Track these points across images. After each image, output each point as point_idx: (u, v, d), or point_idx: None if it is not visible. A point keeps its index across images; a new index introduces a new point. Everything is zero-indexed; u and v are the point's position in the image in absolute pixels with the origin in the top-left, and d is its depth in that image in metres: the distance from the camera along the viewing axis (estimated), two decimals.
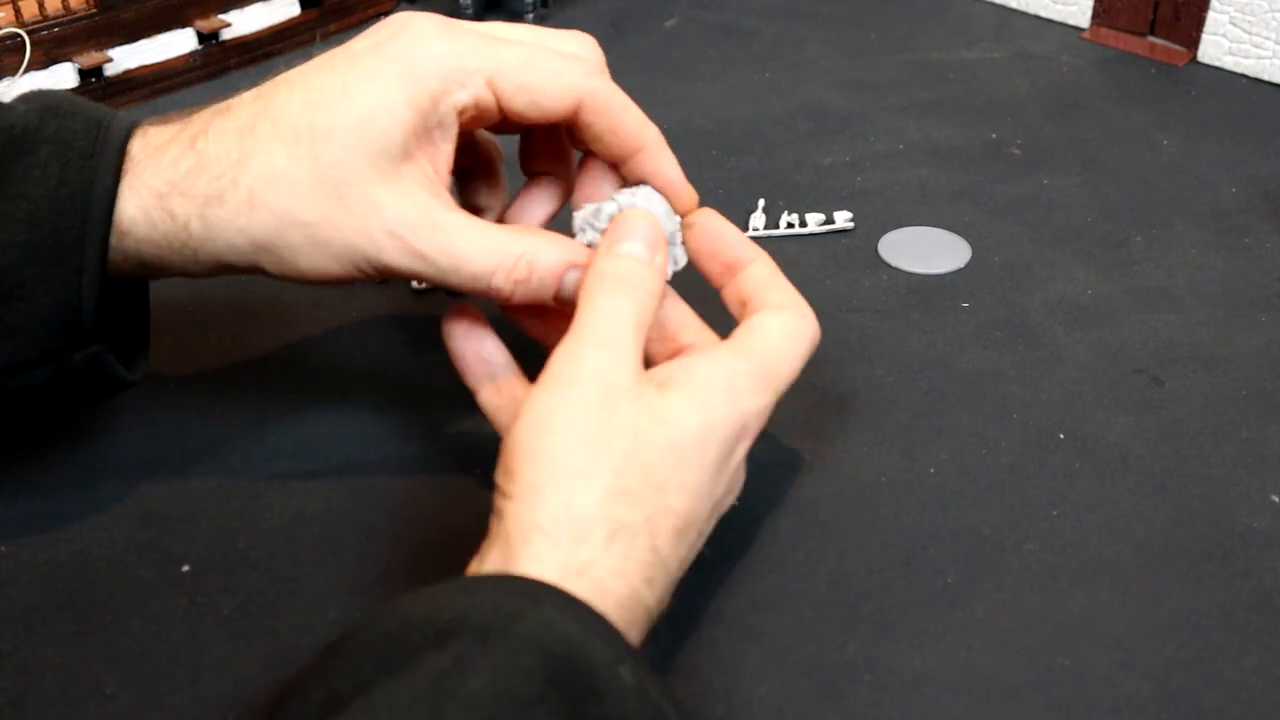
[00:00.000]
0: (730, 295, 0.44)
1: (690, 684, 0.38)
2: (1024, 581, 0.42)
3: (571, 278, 0.41)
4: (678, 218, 0.44)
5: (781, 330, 0.41)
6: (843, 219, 0.61)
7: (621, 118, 0.42)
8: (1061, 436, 0.48)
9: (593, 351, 0.37)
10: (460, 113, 0.41)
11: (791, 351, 0.41)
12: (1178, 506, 0.45)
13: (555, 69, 0.41)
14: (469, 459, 0.47)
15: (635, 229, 0.41)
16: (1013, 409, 0.50)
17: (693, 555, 0.38)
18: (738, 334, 0.41)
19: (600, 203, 0.43)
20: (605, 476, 0.35)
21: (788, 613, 0.41)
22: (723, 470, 0.38)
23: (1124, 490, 0.46)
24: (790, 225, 0.61)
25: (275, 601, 0.42)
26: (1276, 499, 0.45)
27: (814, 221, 0.61)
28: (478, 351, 0.42)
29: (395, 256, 0.40)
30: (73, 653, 0.40)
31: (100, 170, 0.39)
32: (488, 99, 0.41)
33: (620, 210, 0.42)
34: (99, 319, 0.40)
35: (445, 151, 0.41)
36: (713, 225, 0.44)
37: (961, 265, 0.58)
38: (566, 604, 0.32)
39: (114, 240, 0.40)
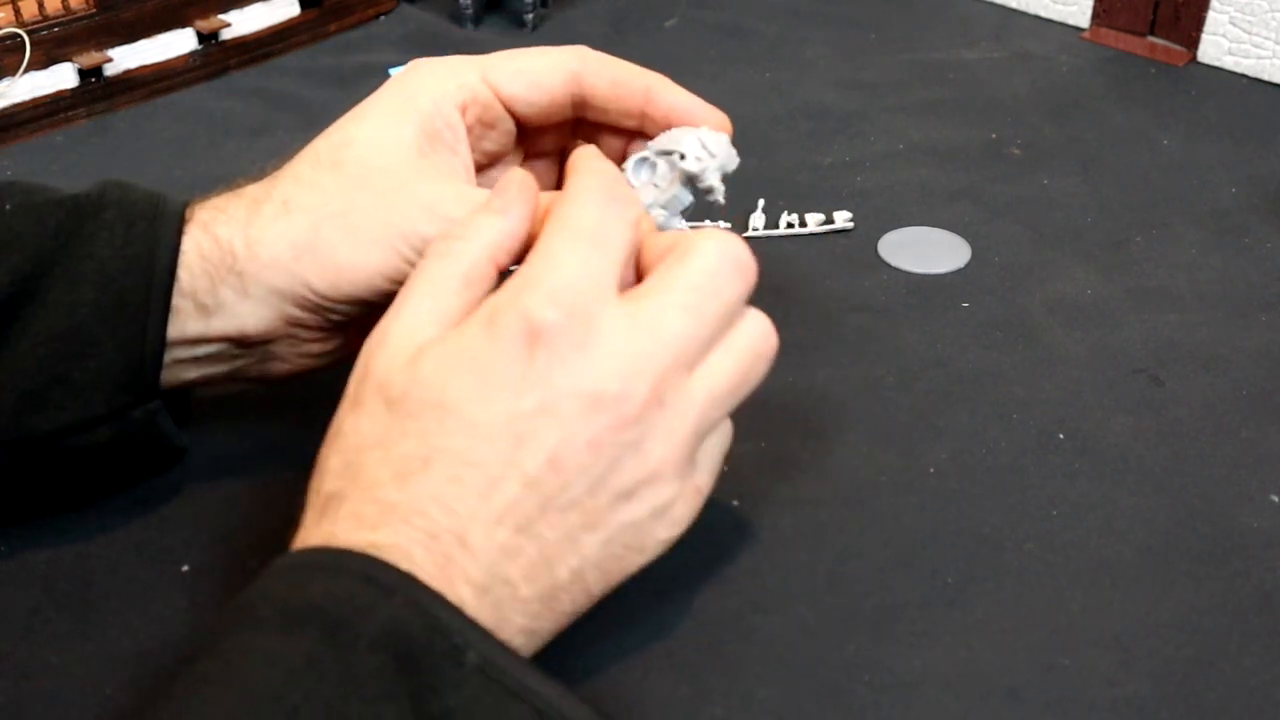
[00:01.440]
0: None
1: (689, 684, 0.38)
2: (1024, 581, 0.42)
3: None
4: (722, 141, 0.44)
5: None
6: (842, 219, 0.61)
7: (619, 67, 0.44)
8: (1061, 436, 0.48)
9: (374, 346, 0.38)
10: (462, 110, 0.43)
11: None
12: (1178, 506, 0.45)
13: (542, 51, 0.45)
14: None
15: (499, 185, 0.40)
16: (1013, 409, 0.50)
17: (486, 488, 0.34)
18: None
19: (638, 156, 0.44)
20: (326, 459, 0.37)
21: (788, 613, 0.41)
22: (508, 388, 0.34)
23: (1124, 490, 0.46)
24: (790, 225, 0.61)
25: None
26: (1276, 499, 0.45)
27: (814, 221, 0.61)
28: None
29: (428, 226, 0.40)
30: (73, 653, 0.40)
31: (163, 229, 0.41)
32: (484, 93, 0.44)
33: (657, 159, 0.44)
34: (159, 378, 0.41)
35: (461, 153, 0.44)
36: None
37: (961, 265, 0.58)
38: (416, 596, 0.32)
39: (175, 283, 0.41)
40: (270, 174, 0.43)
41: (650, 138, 0.45)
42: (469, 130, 0.44)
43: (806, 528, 0.44)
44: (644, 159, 0.44)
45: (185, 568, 0.43)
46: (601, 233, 0.37)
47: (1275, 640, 0.40)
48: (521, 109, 0.45)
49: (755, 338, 0.38)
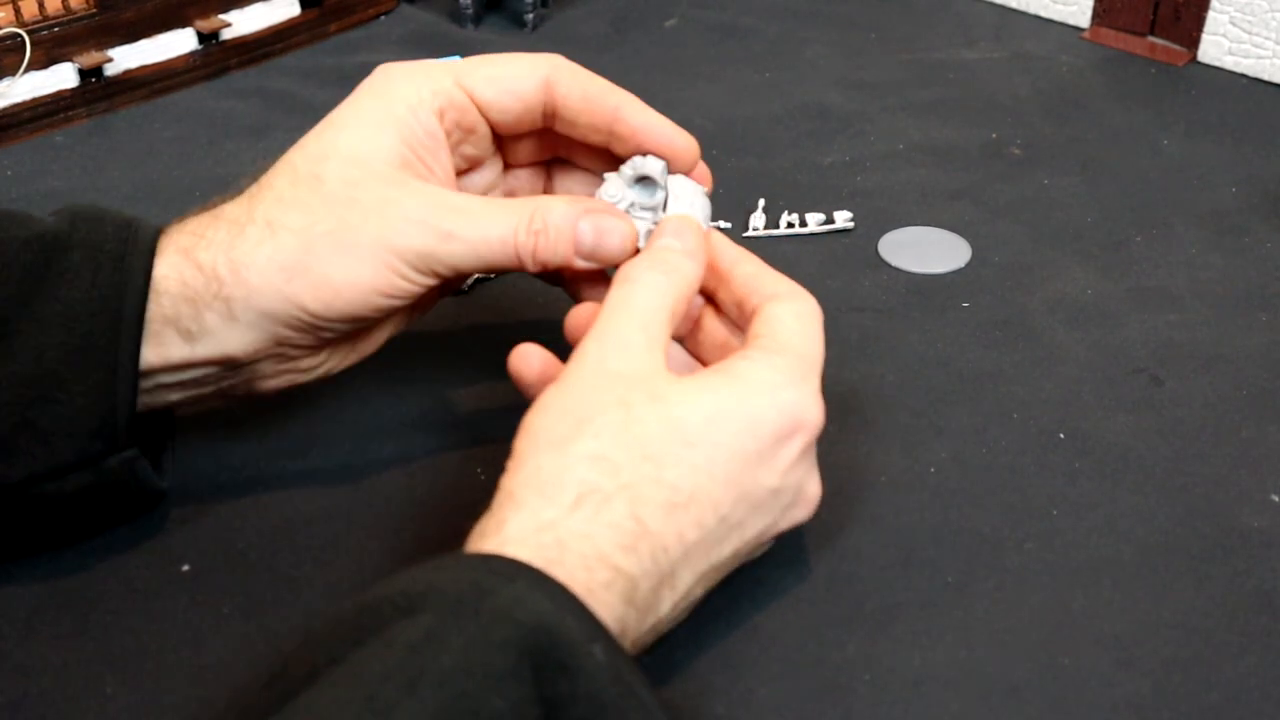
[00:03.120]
0: (725, 300, 0.44)
1: (690, 683, 0.38)
2: (1024, 581, 0.42)
3: (585, 227, 0.42)
4: (650, 159, 0.44)
5: (796, 316, 0.41)
6: (843, 219, 0.61)
7: (590, 83, 0.44)
8: (1061, 436, 0.48)
9: (594, 344, 0.38)
10: (439, 115, 0.43)
11: (812, 333, 0.41)
12: (1178, 506, 0.45)
13: (515, 57, 0.44)
14: (470, 458, 0.47)
15: (667, 227, 0.43)
16: (1013, 409, 0.50)
17: (720, 545, 0.37)
18: (757, 331, 0.41)
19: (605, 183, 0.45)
20: (582, 443, 0.36)
21: (788, 612, 0.41)
22: (765, 463, 0.38)
23: (1124, 490, 0.46)
24: (790, 225, 0.61)
25: (275, 601, 0.42)
26: (1276, 499, 0.45)
27: (814, 221, 0.61)
28: None
29: (423, 239, 0.40)
30: (73, 653, 0.40)
31: (131, 269, 0.40)
32: (460, 98, 0.43)
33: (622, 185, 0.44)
34: (131, 423, 0.40)
35: (441, 159, 0.43)
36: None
37: (961, 265, 0.58)
38: (540, 581, 0.32)
39: (151, 308, 0.40)
40: (246, 190, 0.42)
41: (619, 156, 0.45)
42: (447, 135, 0.43)
43: (807, 528, 0.44)
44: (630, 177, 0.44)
45: (185, 568, 0.43)
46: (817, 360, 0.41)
47: (1275, 640, 0.40)
48: (495, 115, 0.44)
49: None
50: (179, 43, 0.73)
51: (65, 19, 0.68)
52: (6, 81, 0.67)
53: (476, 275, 0.56)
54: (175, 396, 0.42)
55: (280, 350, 0.42)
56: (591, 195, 0.45)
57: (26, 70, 0.67)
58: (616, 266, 0.42)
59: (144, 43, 0.72)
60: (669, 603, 0.36)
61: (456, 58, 0.46)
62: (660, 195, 0.44)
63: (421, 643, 0.30)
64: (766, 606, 0.41)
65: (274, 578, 0.42)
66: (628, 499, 0.35)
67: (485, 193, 0.47)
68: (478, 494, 0.46)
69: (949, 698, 0.38)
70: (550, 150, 0.48)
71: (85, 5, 0.69)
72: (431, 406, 0.50)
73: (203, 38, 0.74)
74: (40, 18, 0.68)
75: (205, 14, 0.74)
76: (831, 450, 0.47)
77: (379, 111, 0.42)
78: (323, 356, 0.44)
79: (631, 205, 0.44)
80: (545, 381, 0.40)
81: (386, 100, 0.42)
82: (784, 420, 0.38)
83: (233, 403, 0.45)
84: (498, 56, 0.44)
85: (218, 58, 0.75)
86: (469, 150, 0.45)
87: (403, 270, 0.40)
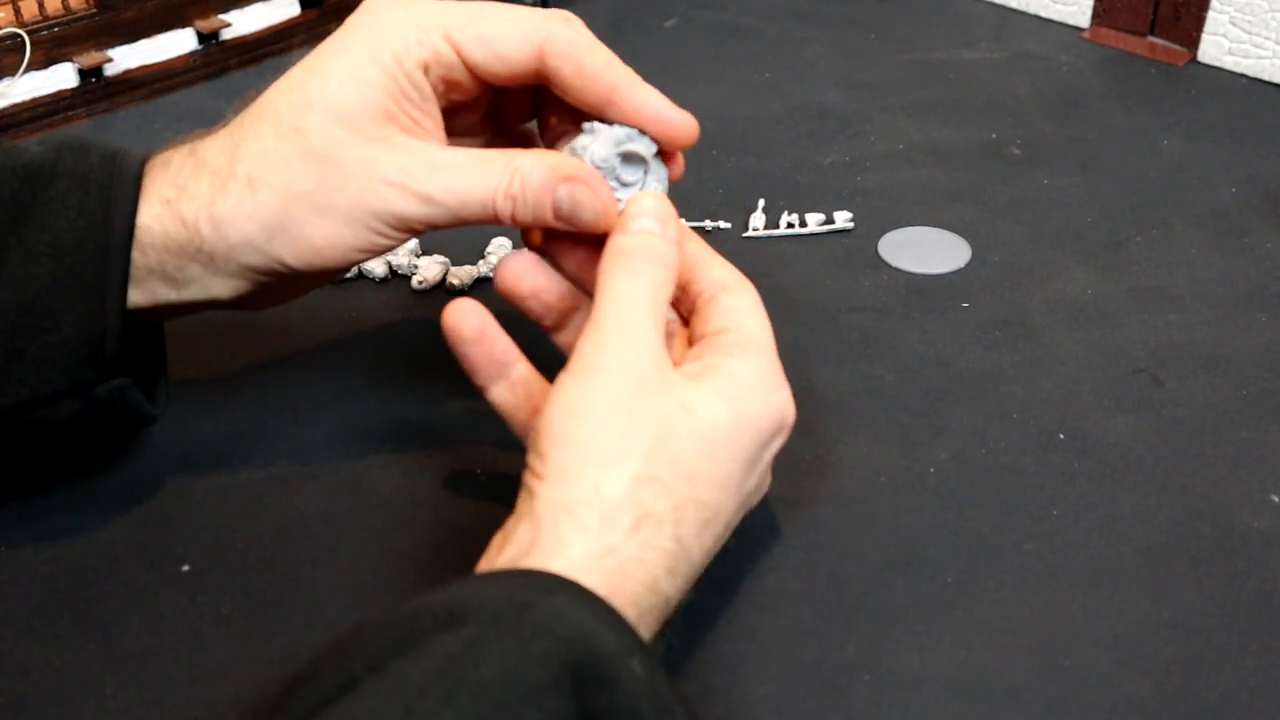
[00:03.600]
0: None
1: (690, 684, 0.38)
2: (1024, 581, 0.42)
3: (564, 192, 0.40)
4: (645, 139, 0.43)
5: (752, 311, 0.41)
6: (843, 219, 0.61)
7: (587, 57, 0.42)
8: (1061, 436, 0.48)
9: (616, 340, 0.38)
10: (423, 68, 0.41)
11: (768, 326, 0.41)
12: (1178, 506, 0.45)
13: (510, 16, 0.42)
14: (469, 458, 0.47)
15: (644, 207, 0.41)
16: (1013, 409, 0.50)
17: (717, 548, 0.38)
18: (723, 325, 0.40)
19: (570, 142, 0.43)
20: (634, 462, 0.35)
21: (788, 613, 0.41)
22: (755, 466, 0.38)
23: (1124, 490, 0.46)
24: (790, 225, 0.61)
25: (275, 601, 0.42)
26: (1276, 499, 0.45)
27: (814, 221, 0.61)
28: (489, 354, 0.41)
29: (402, 204, 0.40)
30: (73, 653, 0.40)
31: (118, 199, 0.40)
32: (447, 53, 0.41)
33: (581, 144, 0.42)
34: (123, 350, 0.41)
35: (429, 111, 0.42)
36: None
37: (961, 265, 0.58)
38: (579, 595, 0.32)
39: (137, 257, 0.40)
40: (228, 128, 0.41)
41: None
42: (433, 88, 0.42)
43: (806, 528, 0.44)
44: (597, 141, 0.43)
45: (185, 568, 0.43)
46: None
47: (1275, 640, 0.40)
48: (482, 74, 0.42)
49: None
50: (179, 43, 0.73)
51: (65, 19, 0.68)
52: (6, 81, 0.67)
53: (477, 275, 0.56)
54: (165, 317, 0.43)
55: (263, 291, 0.42)
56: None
57: (26, 70, 0.67)
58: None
59: (144, 43, 0.72)
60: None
61: None
62: (642, 177, 0.43)
63: (461, 654, 0.30)
64: (766, 607, 0.41)
65: (274, 578, 0.42)
66: (674, 520, 0.35)
67: (473, 135, 0.46)
68: (477, 494, 0.46)
69: (949, 698, 0.38)
70: (543, 113, 0.46)
71: (85, 5, 0.69)
72: (430, 407, 0.50)
73: (203, 38, 0.74)
74: (40, 18, 0.68)
75: (205, 14, 0.74)
76: (831, 450, 0.47)
77: (364, 60, 0.40)
78: (307, 284, 0.44)
79: (610, 172, 0.42)
80: (483, 342, 0.40)
81: (372, 46, 0.41)
82: (776, 423, 0.39)
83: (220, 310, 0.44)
84: (492, 11, 0.42)
85: (218, 58, 0.75)
86: (457, 97, 0.43)
87: (380, 229, 0.40)
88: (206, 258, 0.40)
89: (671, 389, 0.37)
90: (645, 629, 0.34)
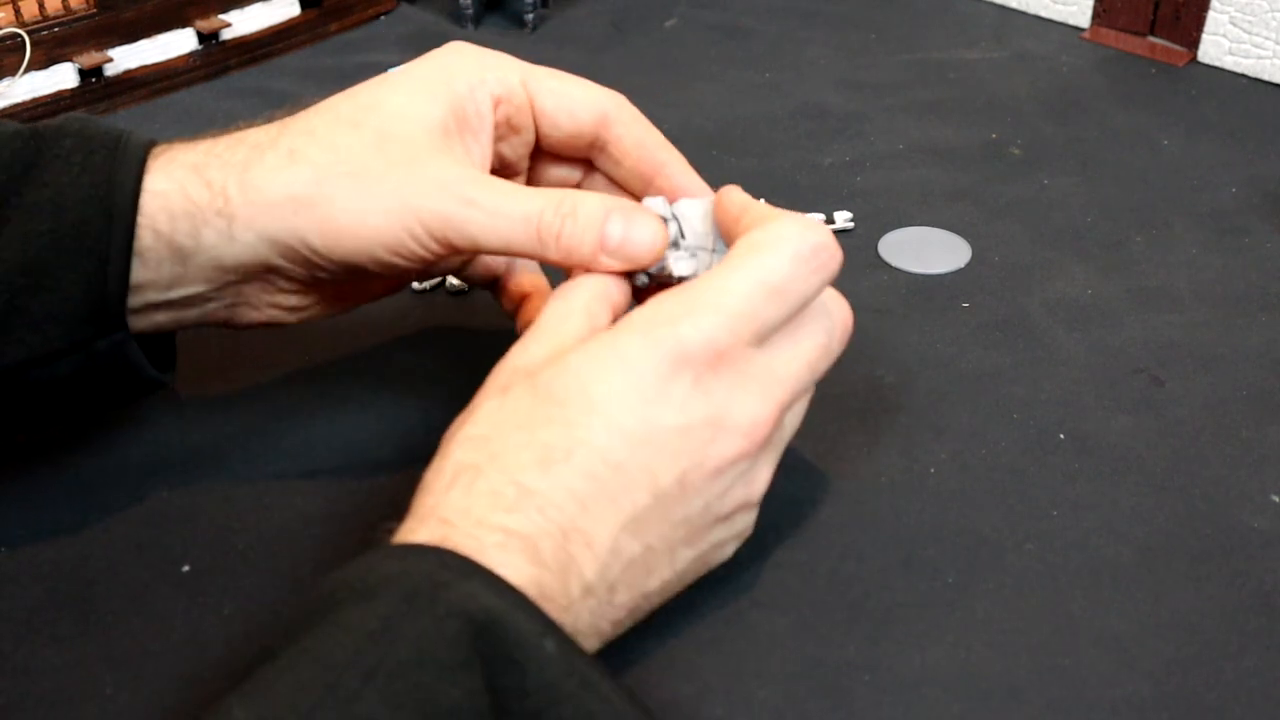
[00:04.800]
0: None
1: (689, 684, 0.38)
2: (1024, 581, 0.42)
3: (615, 227, 0.39)
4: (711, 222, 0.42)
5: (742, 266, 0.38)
6: (843, 219, 0.61)
7: (647, 131, 0.44)
8: (1061, 436, 0.48)
9: (517, 347, 0.39)
10: (495, 103, 0.43)
11: (749, 295, 0.37)
12: (1178, 506, 0.45)
13: (583, 82, 0.44)
14: None
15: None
16: (1013, 409, 0.50)
17: (628, 493, 0.35)
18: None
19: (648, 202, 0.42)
20: (461, 429, 0.37)
21: (788, 613, 0.41)
22: (655, 401, 0.35)
23: (1124, 490, 0.46)
24: None
25: (275, 601, 0.42)
26: (1276, 499, 0.45)
27: None
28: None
29: (442, 201, 0.39)
30: (73, 653, 0.40)
31: (124, 160, 0.40)
32: (520, 96, 0.43)
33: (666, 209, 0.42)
34: (123, 310, 0.40)
35: (484, 143, 0.43)
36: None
37: (961, 265, 0.58)
38: (492, 581, 0.32)
39: (144, 220, 0.40)
40: (279, 120, 0.42)
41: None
42: (495, 126, 0.43)
43: (806, 528, 0.44)
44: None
45: (185, 568, 0.43)
46: (788, 290, 0.37)
47: (1275, 640, 0.40)
48: (546, 128, 0.44)
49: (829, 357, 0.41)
50: (179, 43, 0.73)
51: (65, 19, 0.68)
52: (6, 81, 0.67)
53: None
54: (161, 318, 0.42)
55: (268, 278, 0.42)
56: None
57: (26, 70, 0.67)
58: (643, 272, 0.41)
59: (144, 43, 0.72)
60: (592, 562, 0.35)
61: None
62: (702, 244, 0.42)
63: (379, 632, 0.30)
64: (766, 607, 0.41)
65: (274, 578, 0.42)
66: (497, 468, 0.35)
67: None
68: None
69: (949, 698, 0.38)
70: (583, 173, 0.47)
71: (85, 5, 0.69)
72: (432, 407, 0.50)
73: (203, 38, 0.74)
74: (40, 18, 0.68)
75: (205, 14, 0.74)
76: (832, 450, 0.47)
77: (438, 82, 0.42)
78: (309, 300, 0.44)
79: (695, 247, 0.41)
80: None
81: (449, 73, 0.42)
82: (661, 357, 0.36)
83: (215, 327, 0.44)
84: (566, 75, 0.44)
85: (218, 58, 0.75)
86: (506, 151, 0.45)
87: (414, 230, 0.39)
88: (224, 222, 0.40)
89: (528, 367, 0.37)
90: (501, 566, 0.33)
